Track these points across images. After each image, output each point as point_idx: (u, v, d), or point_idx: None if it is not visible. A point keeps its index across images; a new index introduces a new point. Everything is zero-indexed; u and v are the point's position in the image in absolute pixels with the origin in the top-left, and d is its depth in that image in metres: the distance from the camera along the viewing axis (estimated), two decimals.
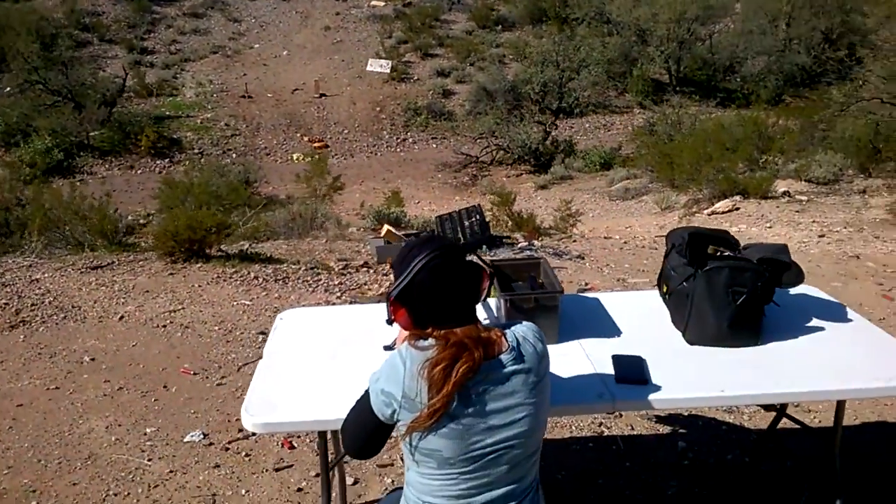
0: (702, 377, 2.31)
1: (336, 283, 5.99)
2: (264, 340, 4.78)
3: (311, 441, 3.67)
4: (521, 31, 26.42)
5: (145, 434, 3.77)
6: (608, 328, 2.65)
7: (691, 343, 2.52)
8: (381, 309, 3.22)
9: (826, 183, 11.72)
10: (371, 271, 6.41)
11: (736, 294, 2.46)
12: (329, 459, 2.57)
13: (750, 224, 9.03)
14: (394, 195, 13.01)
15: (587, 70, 18.93)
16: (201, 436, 3.73)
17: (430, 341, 1.77)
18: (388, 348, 2.58)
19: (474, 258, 2.00)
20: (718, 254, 2.68)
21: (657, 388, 2.22)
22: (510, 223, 8.41)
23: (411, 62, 24.13)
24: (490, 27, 26.58)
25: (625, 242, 7.90)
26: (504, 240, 7.21)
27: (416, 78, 23.24)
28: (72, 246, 7.23)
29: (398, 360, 1.77)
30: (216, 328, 5.02)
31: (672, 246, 2.77)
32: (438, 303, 1.81)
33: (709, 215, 10.49)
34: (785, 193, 10.92)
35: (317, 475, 3.41)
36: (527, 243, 7.47)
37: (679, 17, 21.41)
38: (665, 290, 2.71)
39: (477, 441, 1.73)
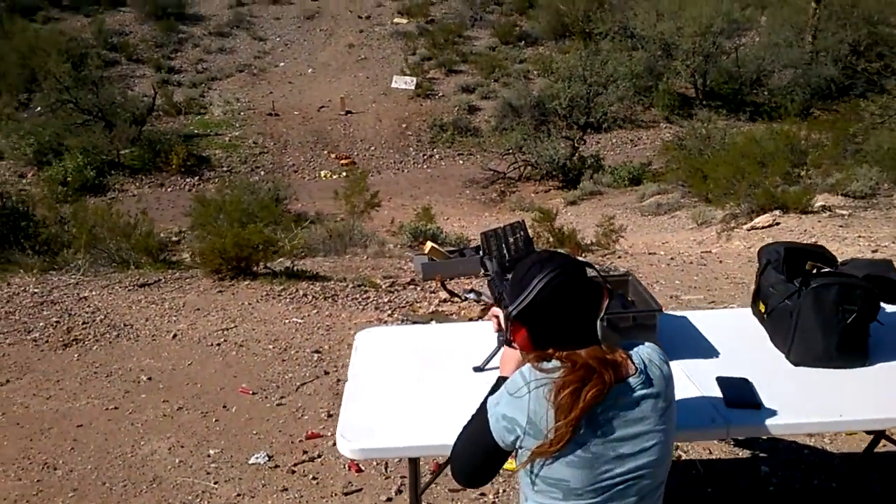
0: (815, 400, 2.21)
1: (385, 300, 5.93)
2: (320, 359, 4.77)
3: (377, 464, 3.59)
4: (545, 46, 26.39)
5: (209, 456, 3.71)
6: (705, 348, 2.56)
7: (796, 364, 2.42)
8: (460, 328, 3.16)
9: (863, 197, 11.54)
10: (418, 288, 6.34)
11: (846, 312, 2.35)
12: (418, 486, 2.51)
13: (795, 239, 8.87)
14: (424, 211, 12.98)
15: (615, 85, 18.83)
16: (266, 458, 3.67)
17: (555, 363, 1.68)
18: (477, 370, 2.51)
19: (594, 275, 1.91)
20: (815, 270, 2.57)
21: (772, 413, 2.12)
22: (552, 239, 8.32)
23: (436, 78, 24.15)
24: (513, 43, 26.56)
25: (671, 258, 7.78)
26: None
27: (440, 94, 23.25)
28: (116, 263, 7.23)
29: (521, 382, 1.68)
30: (270, 346, 4.97)
31: (767, 262, 2.68)
32: (561, 322, 1.73)
33: (748, 230, 10.34)
34: (825, 208, 10.76)
35: (388, 500, 3.34)
36: None
37: (704, 31, 21.26)
38: (763, 308, 2.62)
39: (606, 471, 1.65)
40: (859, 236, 8.85)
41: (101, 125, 19.67)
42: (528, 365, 1.71)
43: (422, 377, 2.47)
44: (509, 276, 2.40)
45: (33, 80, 21.46)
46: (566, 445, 1.60)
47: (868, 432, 2.92)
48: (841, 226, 9.58)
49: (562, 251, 1.78)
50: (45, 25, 25.41)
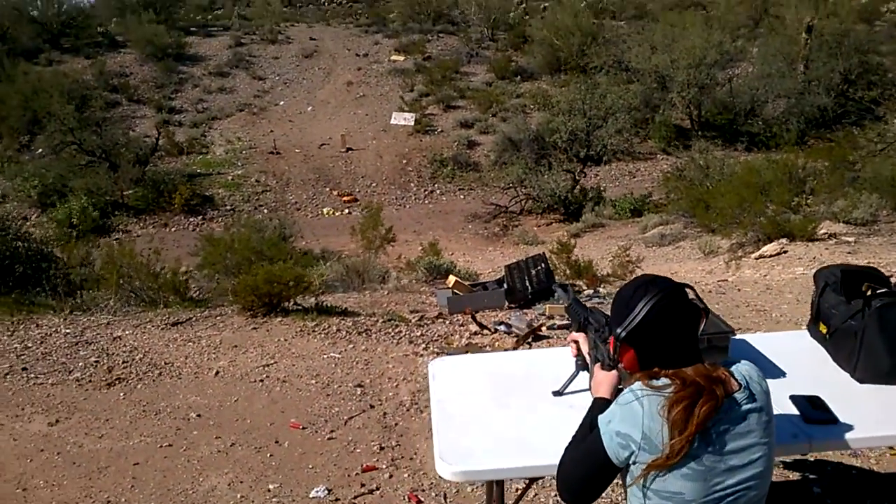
0: (886, 414, 2.33)
1: (417, 334, 6.02)
2: (363, 393, 4.85)
3: (436, 495, 3.67)
4: (541, 80, 26.81)
5: (269, 490, 3.78)
6: (771, 369, 2.67)
7: (862, 381, 2.53)
8: (529, 355, 3.27)
9: (864, 224, 11.74)
10: (447, 322, 6.44)
11: None
12: None
13: (805, 267, 9.02)
14: (431, 246, 13.09)
15: (613, 118, 19.13)
16: (326, 491, 3.74)
17: (665, 381, 1.79)
18: (556, 394, 2.61)
19: (693, 298, 2.02)
20: (871, 291, 2.69)
21: (850, 427, 2.23)
22: (569, 271, 8.44)
23: (434, 114, 24.45)
24: (509, 78, 26.95)
25: None
26: (569, 287, 7.20)
27: (440, 130, 23.53)
28: (145, 303, 7.31)
29: (633, 400, 1.78)
30: (313, 381, 5.05)
31: (825, 284, 2.81)
32: (666, 342, 1.84)
33: (756, 259, 10.49)
34: (830, 235, 10.93)
35: None
36: (592, 290, 7.51)
37: (698, 63, 21.67)
38: (825, 329, 2.73)
39: (718, 482, 1.75)
40: (869, 262, 9.01)
41: (105, 166, 19.80)
42: (638, 383, 1.82)
43: (504, 402, 2.57)
44: (588, 306, 2.53)
45: (35, 123, 21.65)
46: (681, 459, 1.71)
47: None
48: (849, 252, 9.75)
49: (660, 275, 1.90)
50: (48, 68, 25.66)
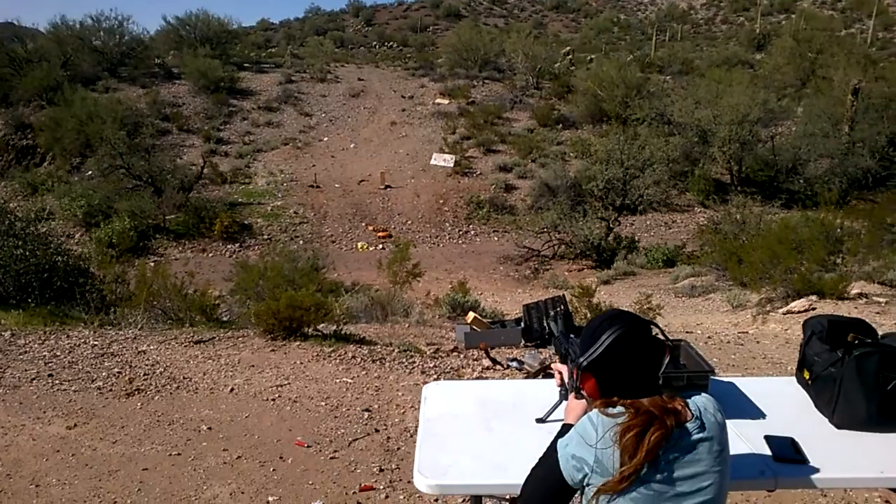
0: (858, 458, 2.38)
1: (430, 365, 6.13)
2: (370, 417, 4.95)
3: None
4: (582, 129, 27.05)
5: (268, 502, 3.89)
6: (752, 410, 2.73)
7: (839, 426, 2.58)
8: (520, 385, 3.36)
9: None
10: (461, 356, 6.53)
11: (886, 380, 2.53)
12: None
13: None
14: (460, 285, 13.21)
15: (651, 169, 19.21)
16: None
17: (620, 409, 1.88)
18: (539, 421, 2.70)
19: (657, 333, 2.12)
20: (857, 341, 2.74)
21: (816, 469, 2.29)
22: (589, 315, 8.49)
23: (474, 157, 24.77)
24: (551, 126, 27.26)
25: (708, 338, 7.91)
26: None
27: (478, 172, 23.81)
28: (172, 321, 7.55)
29: (589, 426, 1.87)
30: (322, 403, 5.18)
31: (812, 333, 2.87)
32: (626, 373, 1.94)
33: (784, 314, 10.40)
34: (861, 295, 10.81)
35: None
36: None
37: (741, 119, 21.72)
38: (808, 375, 2.79)
39: None
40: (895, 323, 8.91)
41: (150, 191, 20.44)
42: (595, 410, 1.92)
43: (489, 426, 2.67)
44: (572, 336, 2.64)
45: (87, 146, 22.49)
46: (631, 483, 1.79)
47: None
48: (878, 312, 9.63)
49: (627, 311, 2.01)
50: (105, 94, 26.66)
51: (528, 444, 2.47)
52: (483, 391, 3.05)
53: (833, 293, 10.59)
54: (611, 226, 18.88)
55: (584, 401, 2.12)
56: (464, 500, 3.75)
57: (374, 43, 47.25)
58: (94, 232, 18.52)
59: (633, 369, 1.94)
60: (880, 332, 2.87)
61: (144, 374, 5.76)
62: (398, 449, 4.48)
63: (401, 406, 5.16)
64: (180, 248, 19.21)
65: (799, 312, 10.40)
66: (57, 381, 5.64)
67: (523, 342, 7.06)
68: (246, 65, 33.06)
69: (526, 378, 5.75)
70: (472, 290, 15.09)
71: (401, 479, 4.08)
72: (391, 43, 47.55)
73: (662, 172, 19.66)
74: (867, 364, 2.56)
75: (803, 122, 23.97)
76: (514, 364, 6.11)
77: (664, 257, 17.45)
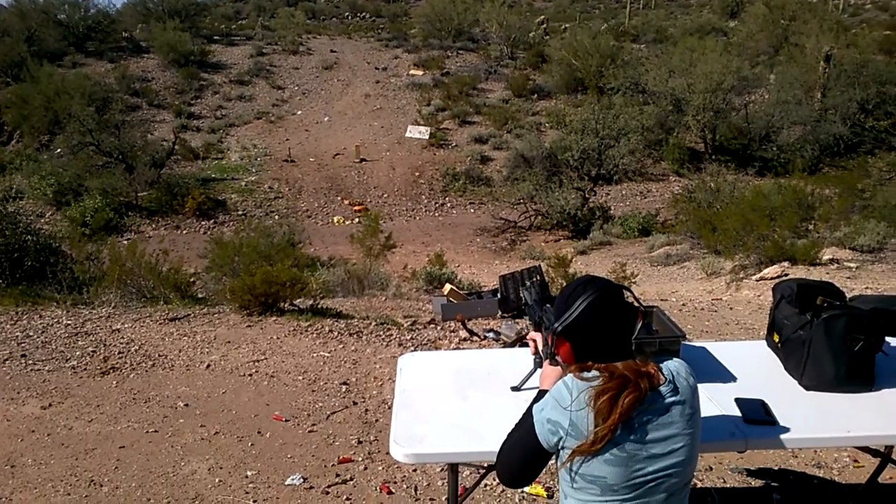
0: (826, 419, 2.43)
1: (407, 338, 6.15)
2: (348, 390, 4.97)
3: (407, 487, 3.77)
4: (557, 99, 27.00)
5: (247, 476, 3.90)
6: (724, 374, 2.77)
7: (808, 388, 2.63)
8: (495, 354, 3.37)
9: (871, 251, 11.75)
10: (438, 328, 6.55)
11: (853, 341, 2.57)
12: (457, 494, 2.71)
13: None
14: (437, 257, 13.22)
15: (626, 138, 19.25)
16: (301, 479, 3.85)
17: (594, 373, 1.90)
18: (515, 389, 2.72)
19: (630, 299, 2.14)
20: (825, 304, 2.78)
21: (786, 429, 2.33)
22: (564, 284, 8.54)
23: (449, 129, 24.67)
24: (526, 96, 27.18)
25: (683, 305, 7.99)
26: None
27: (454, 144, 23.73)
28: (146, 299, 7.48)
29: (564, 390, 1.89)
30: (300, 378, 5.18)
31: (781, 297, 2.91)
32: (600, 338, 1.95)
33: (757, 281, 10.53)
34: (832, 261, 10.96)
35: None
36: None
37: (715, 88, 21.77)
38: (777, 339, 2.83)
39: (639, 468, 1.84)
40: (867, 287, 9.04)
41: (122, 168, 20.14)
42: (570, 374, 1.93)
43: (464, 395, 2.69)
44: (548, 305, 2.65)
45: (55, 123, 22.07)
46: (605, 446, 1.82)
47: (873, 454, 3.11)
48: (848, 277, 9.78)
49: (599, 276, 2.03)
50: (71, 70, 26.14)
51: (503, 412, 2.49)
52: (458, 361, 3.07)
53: (805, 259, 10.73)
54: (586, 196, 18.94)
55: (558, 367, 2.13)
56: (442, 469, 3.79)
57: (347, 14, 46.65)
58: (66, 211, 18.25)
59: (607, 334, 1.95)
60: (849, 296, 2.92)
61: (119, 353, 5.72)
62: (376, 421, 4.50)
63: (378, 378, 5.17)
64: (154, 226, 19.00)
65: (772, 279, 10.52)
66: (30, 362, 5.58)
67: (500, 313, 7.10)
68: (216, 37, 32.54)
69: (503, 348, 5.78)
70: (450, 263, 15.10)
71: (379, 451, 4.10)
72: (364, 14, 46.95)
73: (637, 142, 19.72)
74: (835, 326, 2.60)
75: (776, 90, 24.09)
76: (491, 335, 6.15)
77: (639, 226, 17.56)
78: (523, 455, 1.97)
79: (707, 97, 21.71)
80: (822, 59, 22.95)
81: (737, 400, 2.50)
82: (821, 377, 2.61)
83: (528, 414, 2.00)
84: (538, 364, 2.61)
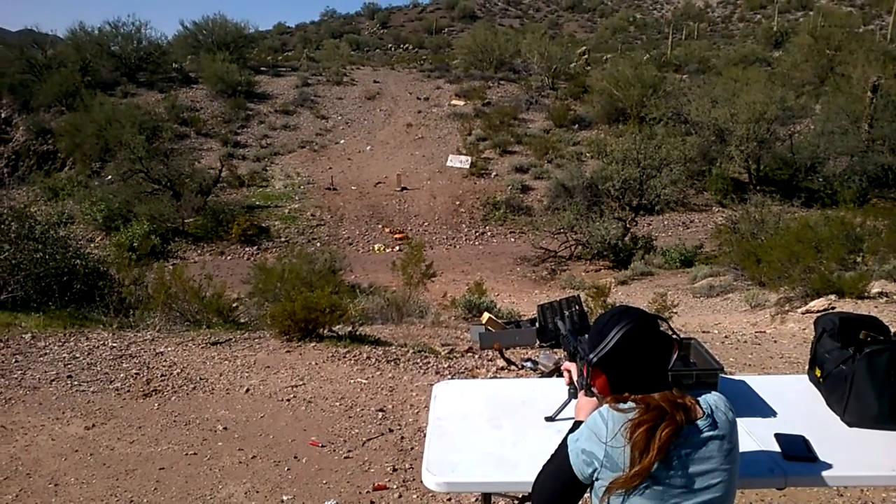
0: (868, 456, 2.36)
1: (445, 366, 6.15)
2: (384, 417, 4.98)
3: None
4: (598, 129, 26.96)
5: (282, 501, 3.92)
6: (763, 409, 2.72)
7: (850, 425, 2.57)
8: (530, 383, 3.36)
9: None
10: (476, 356, 6.54)
11: None
12: None
13: None
14: (476, 286, 13.22)
15: (668, 168, 19.12)
16: None
17: (631, 404, 1.88)
18: (549, 419, 2.71)
19: (666, 329, 2.12)
20: (869, 339, 2.72)
21: (828, 466, 2.28)
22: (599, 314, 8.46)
23: (490, 158, 24.76)
24: (567, 126, 27.19)
25: (725, 337, 7.87)
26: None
27: (494, 174, 23.80)
28: (189, 323, 7.62)
29: (600, 421, 1.88)
30: (337, 404, 5.21)
31: (823, 331, 2.85)
32: (636, 369, 1.94)
33: (803, 314, 10.32)
34: (881, 294, 10.70)
35: None
36: None
37: (758, 118, 21.55)
38: (819, 373, 2.78)
39: (676, 503, 1.82)
40: None
41: (169, 195, 20.62)
42: (606, 406, 1.92)
43: (498, 424, 2.68)
44: (584, 336, 2.64)
45: (107, 151, 22.73)
46: (643, 480, 1.80)
47: None
48: None
49: (634, 307, 2.03)
50: (124, 99, 26.93)
51: (537, 442, 2.48)
52: (493, 390, 3.06)
53: (852, 292, 10.49)
54: (627, 226, 18.80)
55: (594, 398, 2.12)
56: (476, 500, 3.76)
57: (390, 45, 47.40)
58: (114, 236, 18.71)
59: (642, 364, 1.94)
60: (894, 330, 2.85)
61: (162, 376, 5.82)
62: (412, 449, 4.50)
63: (415, 406, 5.18)
64: (199, 252, 19.36)
65: (818, 312, 10.31)
66: (76, 383, 5.71)
67: (538, 342, 7.06)
68: (262, 69, 33.26)
69: (541, 376, 5.75)
70: (489, 292, 15.07)
71: (414, 479, 4.10)
72: (406, 45, 47.66)
73: (679, 172, 19.54)
74: (878, 361, 2.54)
75: (822, 120, 23.73)
76: (529, 364, 6.12)
77: (682, 257, 17.35)
78: (558, 486, 1.96)
79: (751, 127, 21.48)
80: (868, 89, 22.56)
81: (777, 435, 2.45)
82: (863, 413, 2.54)
83: (563, 444, 1.99)
84: (573, 394, 2.60)
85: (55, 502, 3.90)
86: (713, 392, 2.01)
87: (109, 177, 22.37)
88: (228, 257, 19.21)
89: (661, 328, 2.04)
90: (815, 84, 29.19)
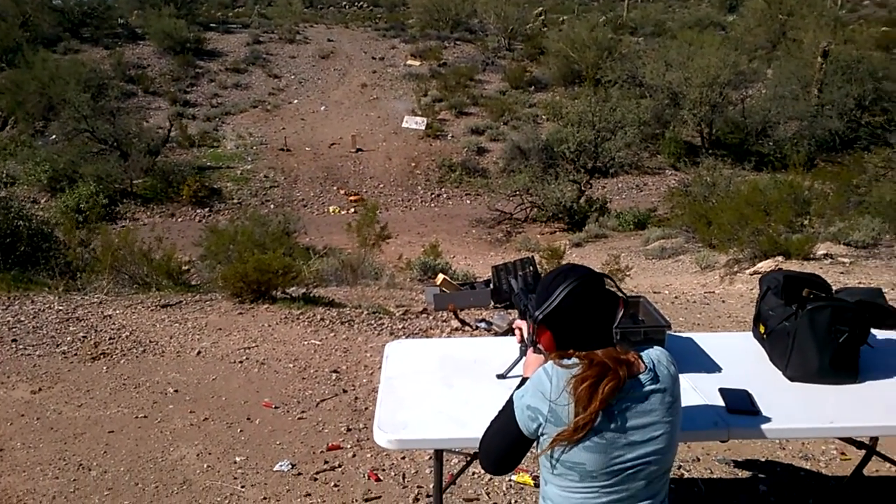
0: (809, 410, 2.44)
1: (399, 327, 6.16)
2: (338, 378, 4.98)
3: (395, 474, 3.79)
4: (554, 92, 26.95)
5: (235, 462, 3.91)
6: (708, 364, 2.78)
7: (792, 379, 2.64)
8: (482, 342, 3.38)
9: (865, 247, 11.79)
10: (430, 317, 6.56)
11: (838, 333, 2.58)
12: (443, 481, 2.72)
13: None
14: (432, 248, 13.23)
15: (623, 131, 19.24)
16: (290, 466, 3.86)
17: (574, 360, 1.90)
18: (500, 377, 2.73)
19: (611, 286, 2.14)
20: (812, 295, 2.79)
21: (768, 420, 2.34)
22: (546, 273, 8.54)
23: (446, 120, 24.62)
24: (523, 88, 27.12)
25: (675, 297, 8.01)
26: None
27: (450, 135, 23.69)
28: (138, 285, 7.48)
29: (544, 376, 1.90)
30: (290, 365, 5.19)
31: (767, 288, 2.92)
32: (581, 326, 1.95)
33: (751, 275, 10.56)
34: (827, 255, 10.99)
35: None
36: None
37: (711, 82, 21.75)
38: (763, 330, 2.84)
39: (618, 455, 1.85)
40: (859, 282, 9.07)
41: (116, 155, 20.07)
42: (550, 362, 1.94)
43: (449, 382, 2.70)
44: (532, 295, 2.65)
45: (50, 109, 21.99)
46: (585, 433, 1.82)
47: (858, 446, 3.12)
48: (842, 272, 9.81)
49: (580, 264, 2.05)
50: (66, 56, 26.02)
51: (488, 399, 2.49)
52: (445, 349, 3.08)
53: (799, 253, 10.76)
54: (582, 188, 18.95)
55: (541, 355, 2.13)
56: (430, 457, 3.80)
57: (344, 3, 46.50)
58: (60, 197, 18.18)
59: (587, 322, 1.95)
60: (836, 288, 2.93)
61: (110, 339, 5.72)
62: (365, 409, 4.51)
63: (369, 367, 5.19)
64: (148, 213, 18.97)
65: (765, 273, 10.56)
66: (21, 346, 5.59)
67: (492, 303, 7.11)
68: (212, 25, 32.38)
69: (495, 336, 5.79)
70: (445, 253, 15.11)
71: (367, 438, 4.12)
72: (361, 3, 46.79)
73: (634, 135, 19.71)
74: (820, 318, 2.61)
75: (773, 85, 24.08)
76: (483, 325, 6.16)
77: (635, 220, 17.58)
78: (504, 442, 1.98)
79: (704, 91, 21.70)
80: (819, 55, 22.92)
81: (721, 390, 2.51)
82: (805, 368, 2.62)
83: (509, 401, 2.00)
84: (524, 352, 2.62)
85: (0, 467, 3.83)
86: (655, 347, 2.04)
87: (54, 136, 21.67)
88: (179, 219, 18.87)
89: (607, 286, 2.06)
90: (767, 49, 29.53)
